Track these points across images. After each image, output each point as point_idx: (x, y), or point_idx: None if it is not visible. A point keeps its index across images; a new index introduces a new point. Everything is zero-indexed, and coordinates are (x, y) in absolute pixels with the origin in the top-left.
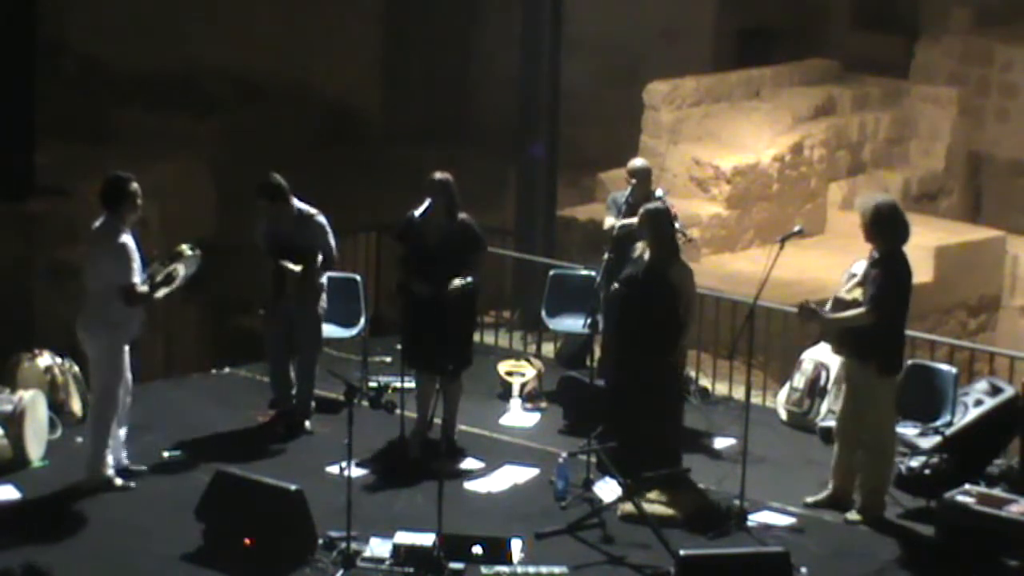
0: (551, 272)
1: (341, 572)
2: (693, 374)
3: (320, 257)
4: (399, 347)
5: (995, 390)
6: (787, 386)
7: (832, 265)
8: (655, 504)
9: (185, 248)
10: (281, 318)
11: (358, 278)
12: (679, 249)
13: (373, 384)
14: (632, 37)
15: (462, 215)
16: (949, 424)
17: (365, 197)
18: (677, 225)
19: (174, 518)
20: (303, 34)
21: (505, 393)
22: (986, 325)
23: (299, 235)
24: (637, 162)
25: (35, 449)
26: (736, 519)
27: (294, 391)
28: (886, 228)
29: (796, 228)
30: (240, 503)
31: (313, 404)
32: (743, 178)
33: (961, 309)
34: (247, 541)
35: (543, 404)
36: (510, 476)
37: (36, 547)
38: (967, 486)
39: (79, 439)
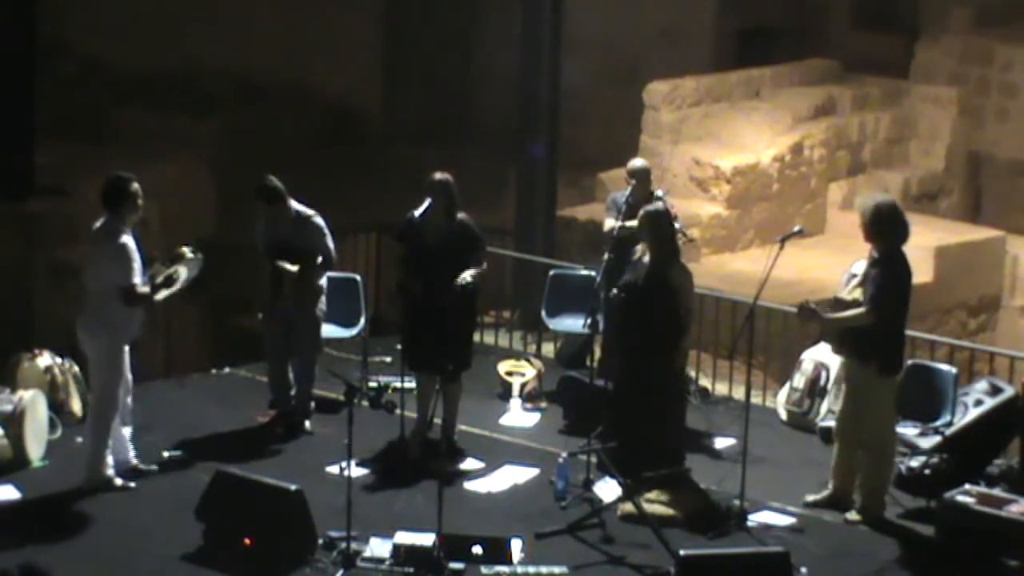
0: (551, 272)
1: (341, 572)
2: (693, 374)
3: (319, 258)
4: (399, 347)
5: (995, 390)
6: (787, 386)
7: (832, 265)
8: (655, 504)
9: (186, 250)
10: (280, 319)
11: (358, 278)
12: (679, 250)
13: (373, 384)
14: (632, 37)
15: (461, 215)
16: (949, 424)
17: (365, 197)
18: (677, 225)
19: (174, 518)
20: (303, 34)
21: (505, 393)
22: (986, 325)
23: (297, 236)
24: (637, 162)
25: (35, 449)
26: (736, 519)
27: (293, 391)
28: (886, 228)
29: (796, 228)
30: (240, 503)
31: (313, 404)
32: (743, 178)
33: (961, 309)
34: (247, 541)
35: (543, 404)
36: (510, 476)
37: (36, 547)
38: (967, 486)
39: (79, 439)
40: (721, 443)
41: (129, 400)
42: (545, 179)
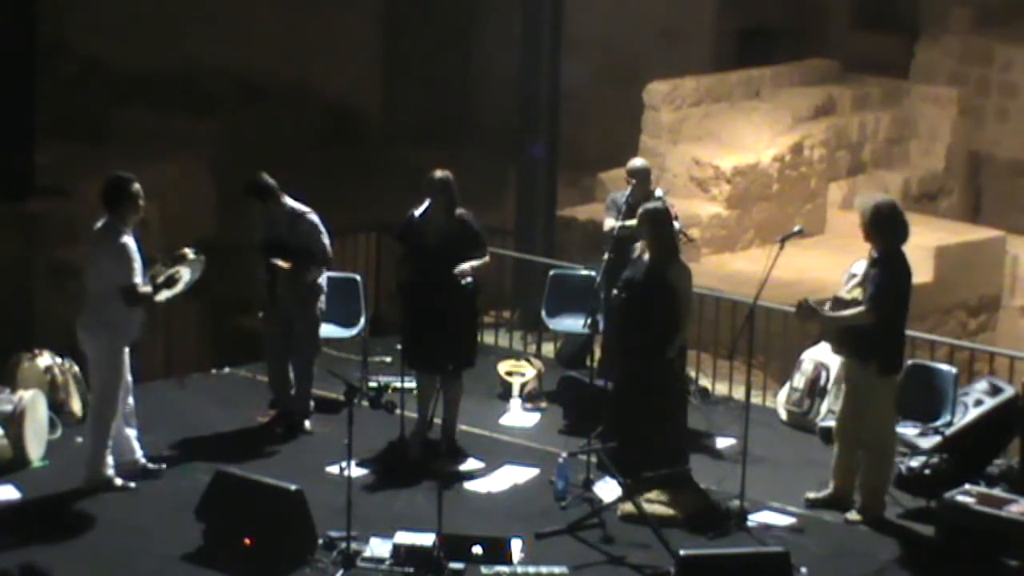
0: (551, 272)
1: (341, 572)
2: (693, 374)
3: (314, 255)
4: (399, 347)
5: (995, 390)
6: (787, 386)
7: (832, 265)
8: (655, 504)
9: (188, 251)
10: (279, 319)
11: (358, 278)
12: (679, 249)
13: (373, 384)
14: (632, 37)
15: (460, 210)
16: (949, 424)
17: (365, 197)
18: (677, 225)
19: (174, 518)
20: (303, 34)
21: (505, 393)
22: (986, 325)
23: (291, 234)
24: (637, 162)
25: (35, 449)
26: (736, 519)
27: (292, 391)
28: (886, 228)
29: (796, 228)
30: (240, 503)
31: (312, 404)
32: (743, 178)
33: (961, 309)
34: (247, 541)
35: (543, 404)
36: (510, 476)
37: (36, 547)
38: (967, 486)
39: (79, 439)
40: (721, 443)
41: (131, 400)
42: (545, 179)
